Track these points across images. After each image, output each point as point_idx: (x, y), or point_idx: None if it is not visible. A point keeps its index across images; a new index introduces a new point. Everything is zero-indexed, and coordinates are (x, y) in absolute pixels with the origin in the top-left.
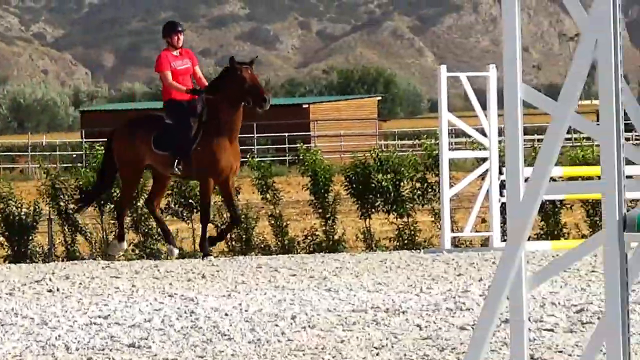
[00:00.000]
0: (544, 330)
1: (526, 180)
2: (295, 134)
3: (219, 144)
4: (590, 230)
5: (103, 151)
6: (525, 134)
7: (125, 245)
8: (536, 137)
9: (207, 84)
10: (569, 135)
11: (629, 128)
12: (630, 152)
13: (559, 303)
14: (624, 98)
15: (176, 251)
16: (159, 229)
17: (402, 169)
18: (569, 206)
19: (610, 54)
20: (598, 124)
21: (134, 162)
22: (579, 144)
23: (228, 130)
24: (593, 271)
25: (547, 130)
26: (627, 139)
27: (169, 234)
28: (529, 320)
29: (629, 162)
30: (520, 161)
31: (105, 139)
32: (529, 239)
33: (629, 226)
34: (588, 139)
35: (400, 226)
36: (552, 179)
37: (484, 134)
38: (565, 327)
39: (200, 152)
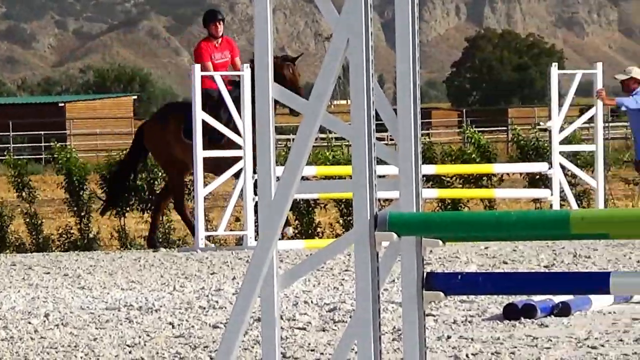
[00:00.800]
0: (297, 328)
1: (278, 179)
2: (51, 132)
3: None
4: (344, 229)
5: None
6: (281, 133)
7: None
8: (292, 136)
9: None
10: (324, 135)
11: (383, 128)
12: (382, 152)
13: (311, 302)
14: (376, 98)
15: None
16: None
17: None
18: (323, 205)
19: (362, 54)
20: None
21: (165, 153)
22: (337, 144)
23: None
24: (347, 270)
25: (299, 129)
26: (380, 139)
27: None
28: (282, 318)
29: (381, 162)
30: (271, 160)
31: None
32: (282, 238)
33: (380, 225)
34: (340, 138)
35: None
36: (306, 178)
37: (239, 133)
38: (317, 326)
39: (233, 143)
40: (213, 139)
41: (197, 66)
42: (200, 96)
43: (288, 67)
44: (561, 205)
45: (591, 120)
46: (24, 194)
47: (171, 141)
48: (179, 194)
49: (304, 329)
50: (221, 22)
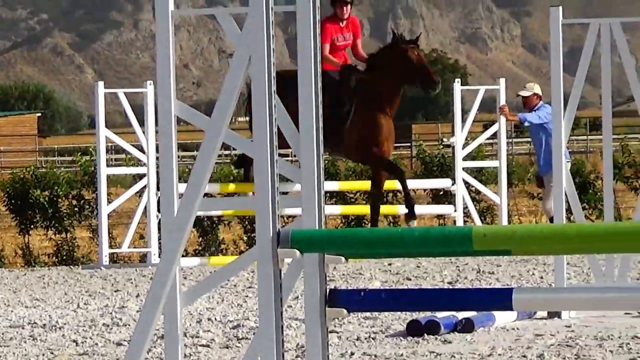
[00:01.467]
0: (200, 345)
1: (182, 196)
2: None
3: (377, 119)
4: (248, 246)
5: None
6: (185, 150)
7: None
8: (196, 153)
9: (366, 56)
10: (228, 152)
11: (287, 145)
12: (285, 169)
13: (215, 319)
14: (278, 115)
15: None
16: None
17: (57, 186)
18: (227, 222)
19: (264, 71)
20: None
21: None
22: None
23: (387, 108)
24: (250, 287)
25: (201, 146)
26: (284, 156)
27: None
28: (185, 335)
29: (284, 179)
30: (174, 177)
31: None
32: (186, 255)
33: (282, 242)
34: None
35: (59, 242)
36: (209, 195)
37: (143, 151)
38: (221, 343)
39: (356, 128)
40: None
41: (101, 83)
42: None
43: (413, 49)
44: (465, 222)
45: (494, 136)
46: None
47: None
48: None
49: (208, 346)
50: (349, 5)
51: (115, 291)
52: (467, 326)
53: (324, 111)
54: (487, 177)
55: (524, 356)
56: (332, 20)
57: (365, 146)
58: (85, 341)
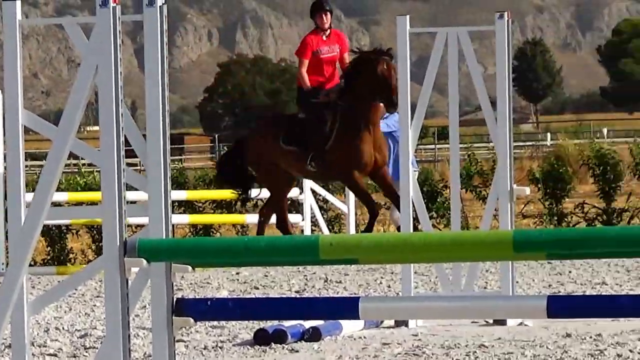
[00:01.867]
0: (48, 355)
1: (29, 205)
2: None
3: (357, 136)
4: (96, 255)
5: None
6: (34, 159)
7: None
8: (44, 162)
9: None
10: (76, 161)
11: (135, 154)
12: (132, 178)
13: (63, 328)
14: (125, 124)
15: None
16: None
17: None
18: (75, 231)
19: (111, 80)
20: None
21: (266, 162)
22: (89, 169)
23: (365, 123)
24: (98, 296)
25: (48, 155)
26: (132, 165)
27: None
28: (32, 345)
29: (131, 188)
30: (21, 186)
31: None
32: (34, 264)
33: (129, 251)
34: (91, 164)
35: None
36: (57, 204)
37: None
38: (68, 352)
39: (338, 146)
40: (314, 145)
41: None
42: (302, 93)
43: (383, 62)
44: (312, 231)
45: None
46: None
47: (272, 149)
48: (272, 208)
49: (55, 355)
50: (328, 13)
51: None
52: (314, 335)
53: (306, 128)
54: (335, 186)
55: None
56: (314, 33)
57: (346, 171)
58: None
